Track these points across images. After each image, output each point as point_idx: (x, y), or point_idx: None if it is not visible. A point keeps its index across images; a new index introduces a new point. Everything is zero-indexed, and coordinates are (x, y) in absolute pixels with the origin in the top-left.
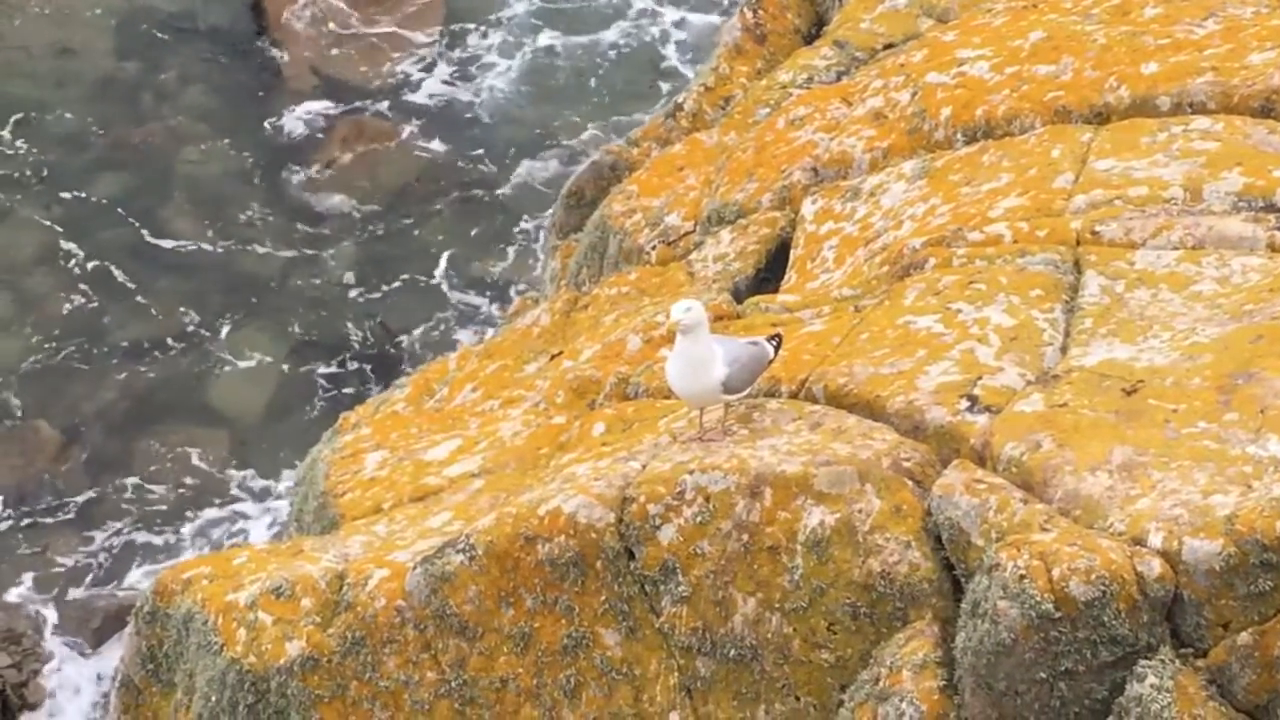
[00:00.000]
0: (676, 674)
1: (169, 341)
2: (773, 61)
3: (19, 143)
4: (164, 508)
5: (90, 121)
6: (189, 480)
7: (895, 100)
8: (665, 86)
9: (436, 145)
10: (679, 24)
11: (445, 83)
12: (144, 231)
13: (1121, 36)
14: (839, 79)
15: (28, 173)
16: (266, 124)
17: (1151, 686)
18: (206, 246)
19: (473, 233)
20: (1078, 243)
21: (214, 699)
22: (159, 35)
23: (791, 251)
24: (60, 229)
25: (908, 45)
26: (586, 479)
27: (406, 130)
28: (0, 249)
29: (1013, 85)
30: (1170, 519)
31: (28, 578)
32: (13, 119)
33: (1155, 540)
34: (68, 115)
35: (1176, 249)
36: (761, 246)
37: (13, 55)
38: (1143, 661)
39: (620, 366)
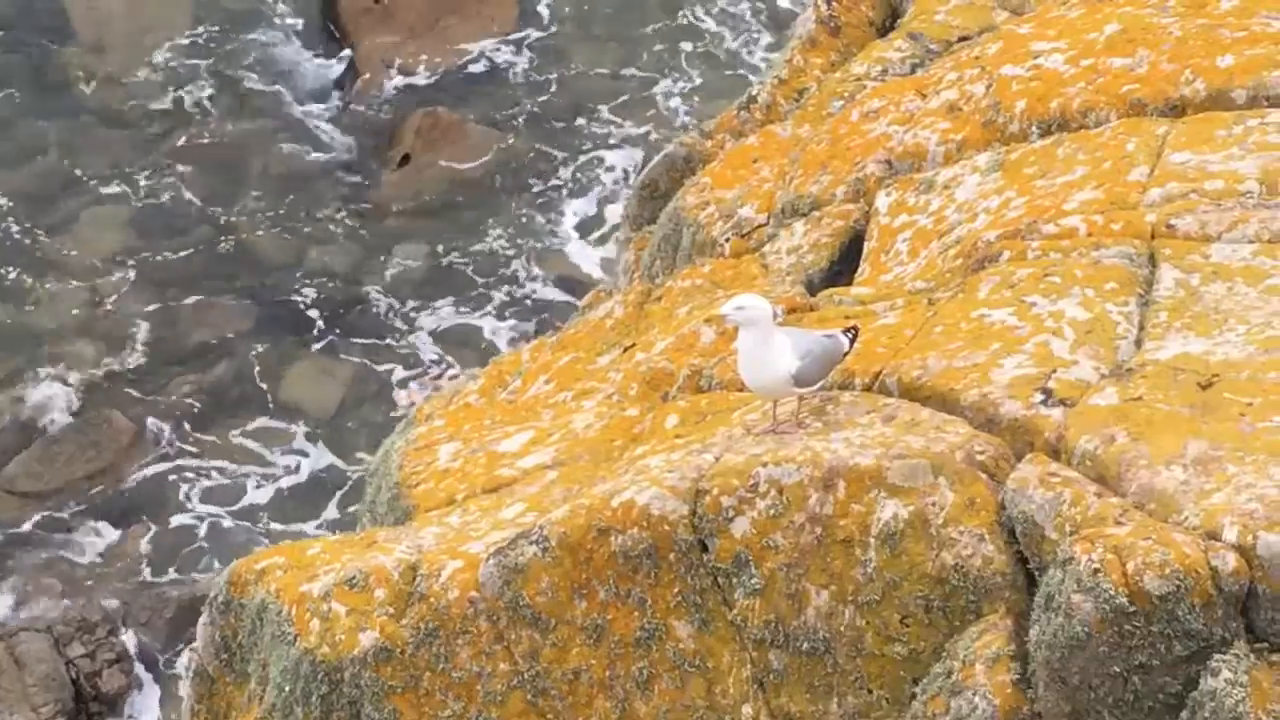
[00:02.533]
0: (749, 666)
1: (241, 335)
2: (847, 54)
3: (92, 142)
4: (237, 499)
5: (161, 120)
6: (262, 472)
7: (970, 93)
8: (733, 76)
9: (510, 138)
10: (754, 20)
11: (519, 77)
12: (216, 228)
13: (1197, 29)
14: (913, 71)
15: (103, 172)
16: (340, 119)
17: (1226, 681)
18: (278, 241)
19: (547, 224)
20: (1153, 236)
21: (287, 689)
22: (230, 33)
23: (865, 244)
24: (133, 227)
25: (982, 38)
26: (660, 471)
27: (481, 123)
28: (76, 247)
29: (1088, 78)
30: (1245, 513)
31: (101, 568)
32: (84, 119)
33: (1230, 534)
34: (139, 114)
35: (1252, 242)
36: (835, 239)
37: (84, 56)
38: (1217, 656)
39: (693, 358)
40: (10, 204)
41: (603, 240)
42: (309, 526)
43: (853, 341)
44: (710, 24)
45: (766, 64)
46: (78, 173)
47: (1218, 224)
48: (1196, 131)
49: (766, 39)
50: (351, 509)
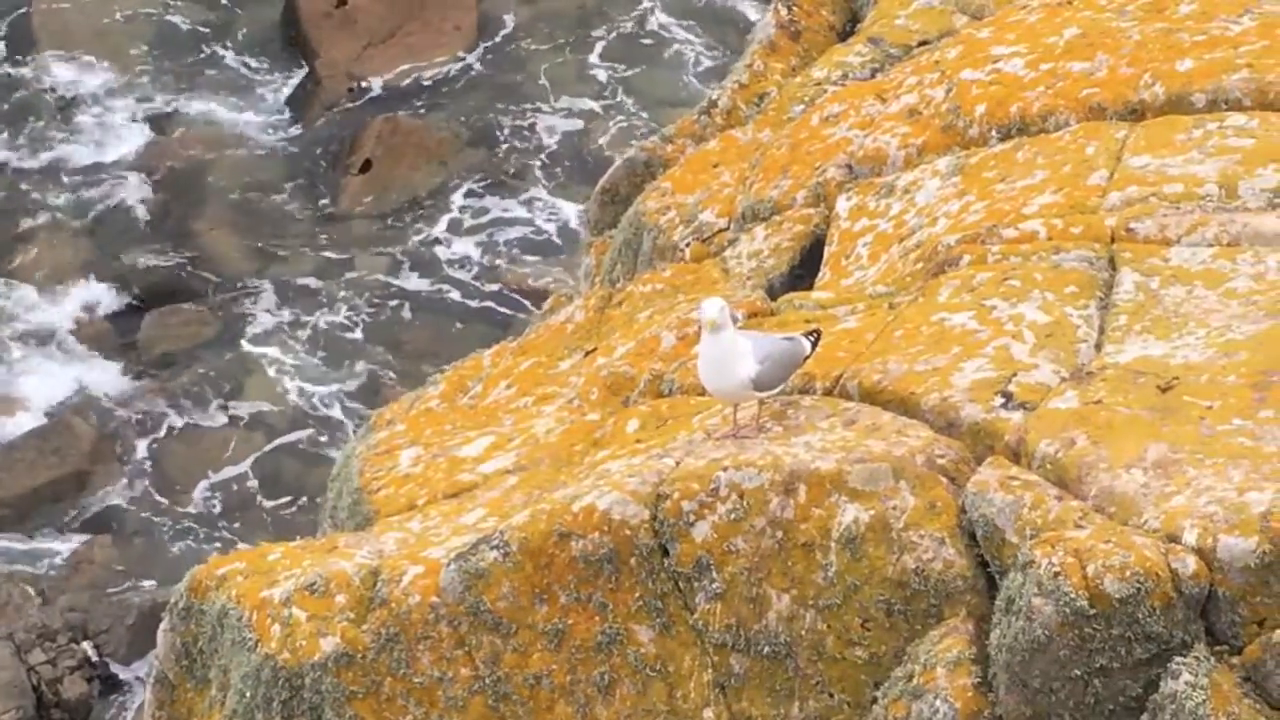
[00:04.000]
0: (710, 671)
1: (202, 344)
2: (807, 58)
3: (51, 153)
4: (198, 505)
5: (125, 128)
6: (224, 478)
7: (930, 97)
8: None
9: (471, 145)
10: (715, 27)
11: (480, 85)
12: (177, 236)
13: (1156, 33)
14: (873, 76)
15: (63, 183)
16: (301, 126)
17: (1186, 684)
18: (240, 249)
19: (507, 229)
20: (1112, 239)
21: (248, 695)
22: (192, 40)
23: (826, 248)
24: (93, 237)
25: (942, 42)
26: (620, 475)
27: (442, 130)
28: (35, 258)
29: (1047, 82)
30: (1205, 516)
31: (63, 575)
32: (44, 130)
33: (1190, 537)
34: (102, 122)
35: (1211, 246)
36: (796, 243)
37: (44, 67)
38: (1177, 659)
39: (654, 363)
40: None
41: (567, 246)
42: (271, 533)
43: (814, 345)
44: (672, 32)
45: (728, 69)
46: (36, 184)
47: (1177, 227)
48: (1156, 135)
49: (727, 45)
50: (313, 514)
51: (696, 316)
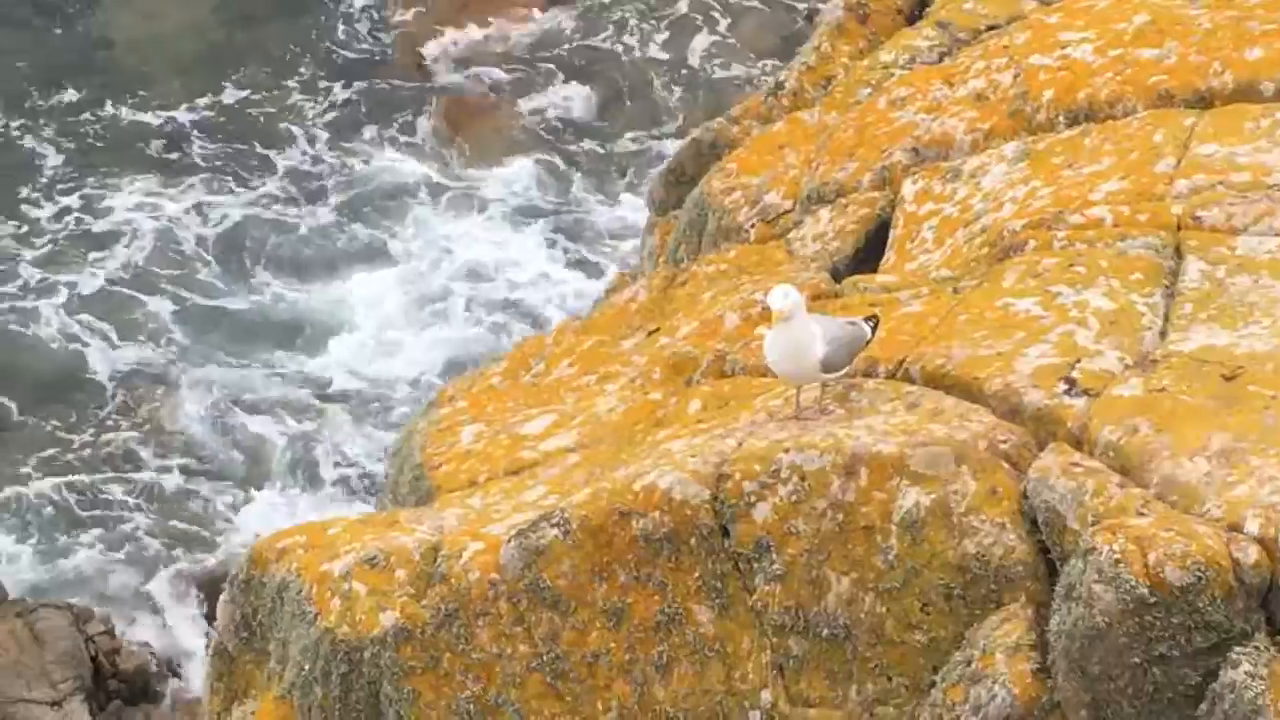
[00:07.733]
0: (769, 652)
1: (265, 318)
2: (875, 41)
3: (100, 121)
4: (260, 478)
5: (182, 96)
6: (285, 451)
7: (997, 82)
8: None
9: (537, 122)
10: (789, 7)
11: (548, 58)
12: (251, 195)
13: (1226, 21)
14: (941, 60)
15: (131, 136)
16: (370, 98)
17: (1245, 673)
18: (309, 222)
19: (573, 208)
20: (1179, 227)
21: (307, 668)
22: (261, 9)
23: (890, 232)
24: (160, 186)
25: (1010, 27)
26: (682, 455)
27: (507, 104)
28: (73, 217)
29: (1115, 68)
30: (1268, 506)
31: (121, 544)
32: (102, 95)
33: (1252, 527)
34: (158, 87)
35: (1278, 235)
36: (860, 226)
37: (106, 30)
38: (1237, 648)
39: (718, 343)
40: None
41: (628, 224)
42: (331, 507)
43: (874, 330)
44: (747, 9)
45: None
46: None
47: (1244, 216)
48: (1224, 123)
49: (799, 26)
50: (375, 489)
51: (764, 300)
